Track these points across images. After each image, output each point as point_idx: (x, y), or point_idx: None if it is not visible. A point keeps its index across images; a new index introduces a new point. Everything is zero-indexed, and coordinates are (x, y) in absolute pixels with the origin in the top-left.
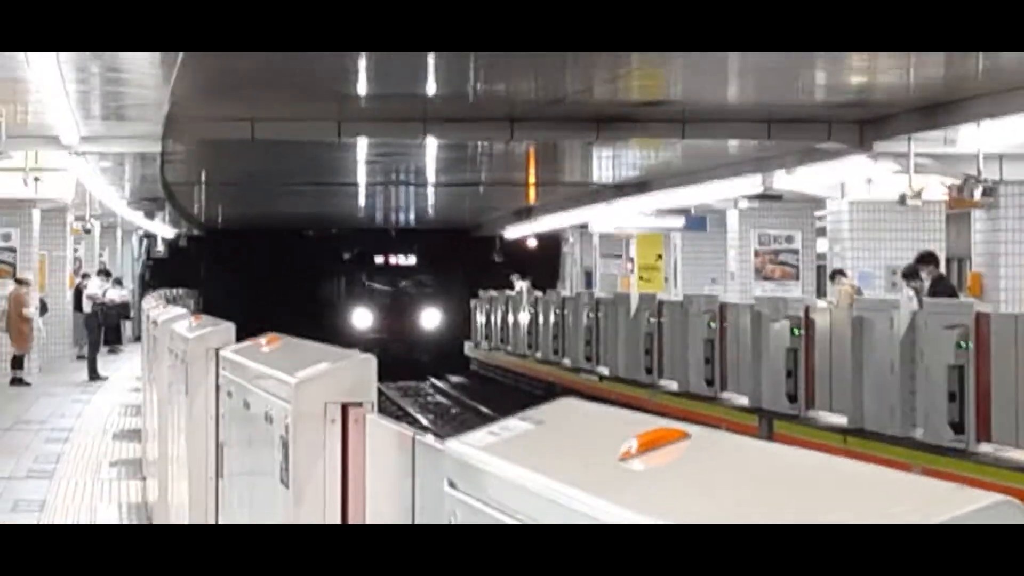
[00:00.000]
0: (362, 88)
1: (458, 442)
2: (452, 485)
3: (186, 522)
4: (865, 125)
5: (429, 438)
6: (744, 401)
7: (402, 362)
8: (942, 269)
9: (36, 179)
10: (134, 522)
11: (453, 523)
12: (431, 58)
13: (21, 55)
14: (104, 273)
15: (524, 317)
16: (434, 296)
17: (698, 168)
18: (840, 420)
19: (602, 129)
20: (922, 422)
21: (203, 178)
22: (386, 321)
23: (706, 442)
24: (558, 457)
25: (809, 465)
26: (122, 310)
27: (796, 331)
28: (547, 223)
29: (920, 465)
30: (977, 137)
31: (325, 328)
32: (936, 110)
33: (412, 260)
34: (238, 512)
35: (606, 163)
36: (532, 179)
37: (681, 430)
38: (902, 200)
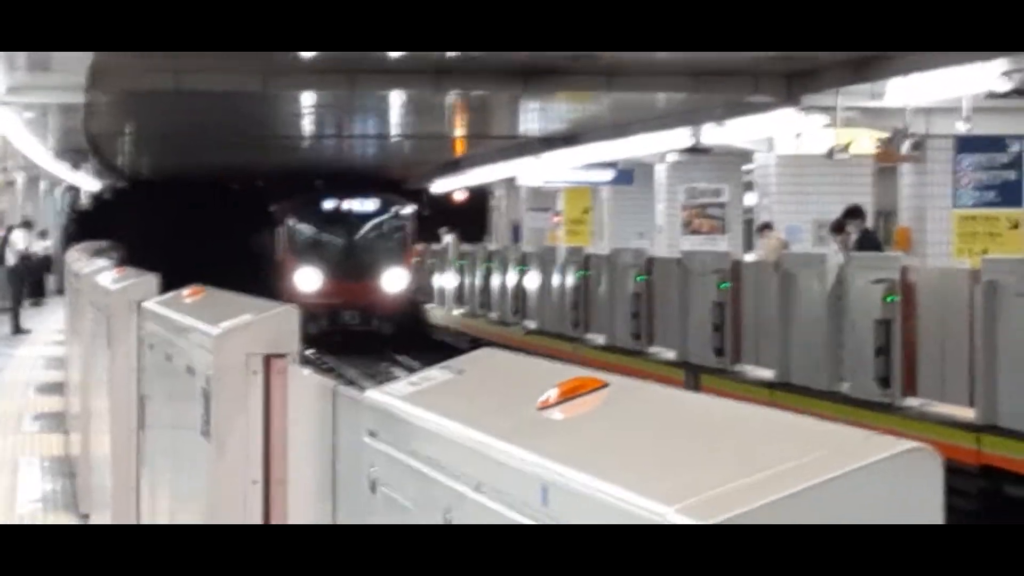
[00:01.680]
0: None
1: (378, 392)
2: (372, 435)
3: (108, 474)
4: (793, 78)
5: (350, 389)
6: (671, 355)
7: (356, 333)
8: (869, 223)
9: None
10: (56, 475)
11: (373, 473)
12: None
13: None
14: (27, 225)
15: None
16: (381, 252)
17: (626, 121)
18: (767, 374)
19: (529, 82)
20: (849, 376)
21: (127, 130)
22: (334, 282)
23: (624, 391)
24: (477, 406)
25: (727, 414)
26: (45, 263)
27: (723, 285)
28: (474, 176)
29: (846, 419)
30: (905, 91)
31: (261, 285)
32: (864, 63)
33: (365, 207)
34: (160, 465)
35: (533, 116)
36: (459, 132)
37: (599, 379)
38: (830, 154)
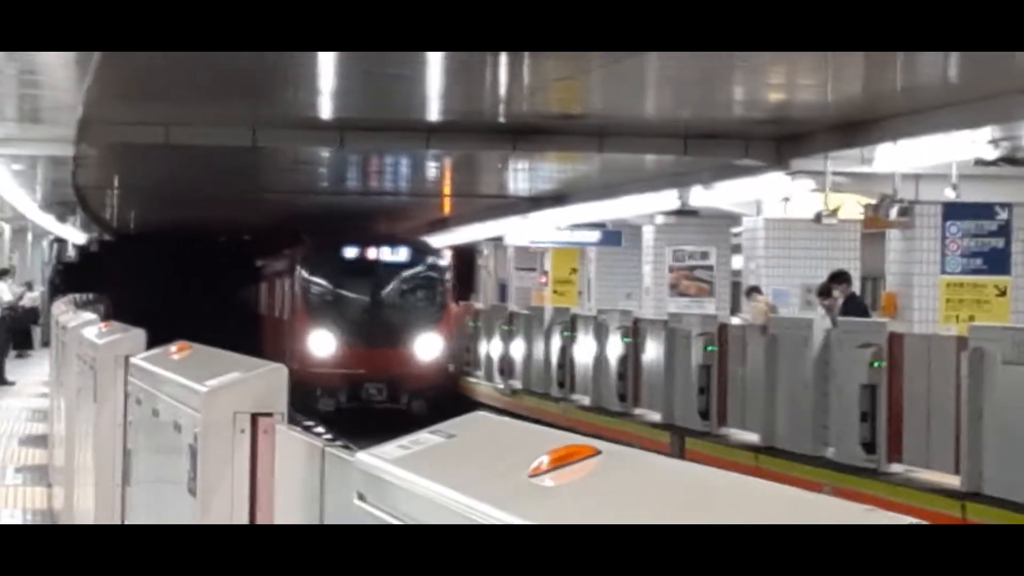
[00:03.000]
0: (278, 95)
1: (368, 454)
2: (361, 498)
3: None
4: (782, 142)
5: (339, 450)
6: (656, 417)
7: (381, 411)
8: (856, 288)
9: None
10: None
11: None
12: (347, 66)
13: None
14: (4, 272)
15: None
16: (414, 312)
17: (615, 182)
18: (752, 438)
19: (519, 141)
20: (834, 441)
21: (116, 183)
22: (356, 347)
23: (616, 459)
24: (468, 471)
25: (720, 485)
26: (32, 315)
27: (709, 347)
28: (462, 235)
29: (831, 484)
30: (894, 157)
31: (248, 340)
32: (853, 129)
33: (395, 256)
34: (144, 521)
35: (522, 175)
36: (447, 190)
37: (592, 447)
38: (818, 218)
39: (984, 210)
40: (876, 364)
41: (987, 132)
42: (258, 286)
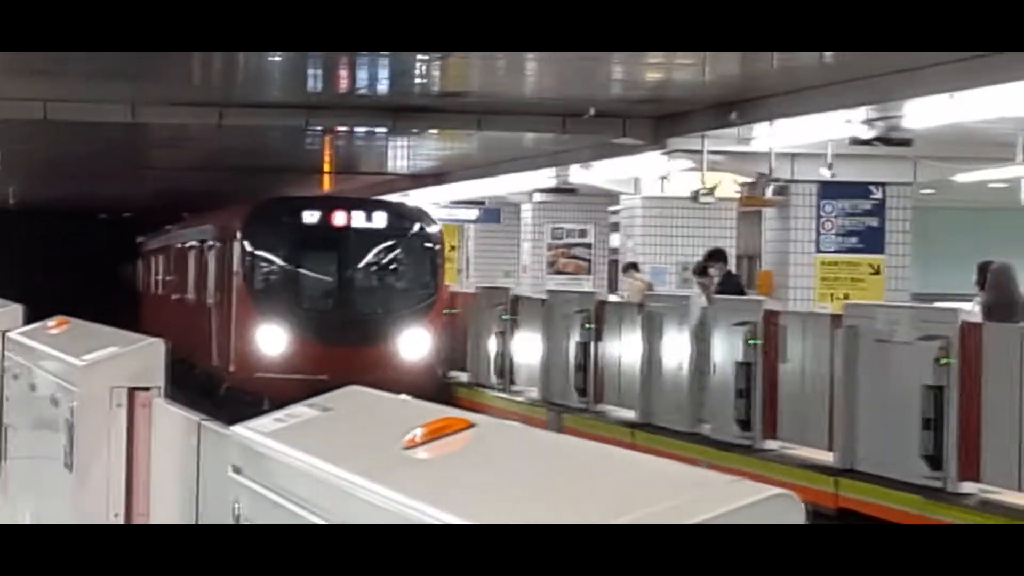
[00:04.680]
0: (157, 71)
1: (244, 427)
2: (237, 470)
3: None
4: (660, 121)
5: (215, 424)
6: (535, 394)
7: None
8: (732, 266)
9: None
10: None
11: (237, 509)
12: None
13: None
14: None
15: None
16: (396, 297)
17: (494, 160)
18: (629, 415)
19: (398, 119)
20: (710, 418)
21: None
22: (319, 344)
23: (490, 432)
24: (343, 444)
25: (592, 456)
26: None
27: (587, 325)
28: None
29: (707, 461)
30: (771, 136)
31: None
32: (730, 108)
33: (371, 222)
34: (21, 495)
35: (402, 153)
36: (327, 167)
37: (465, 419)
38: (695, 197)
39: (859, 189)
40: (752, 342)
41: (863, 112)
42: (174, 264)
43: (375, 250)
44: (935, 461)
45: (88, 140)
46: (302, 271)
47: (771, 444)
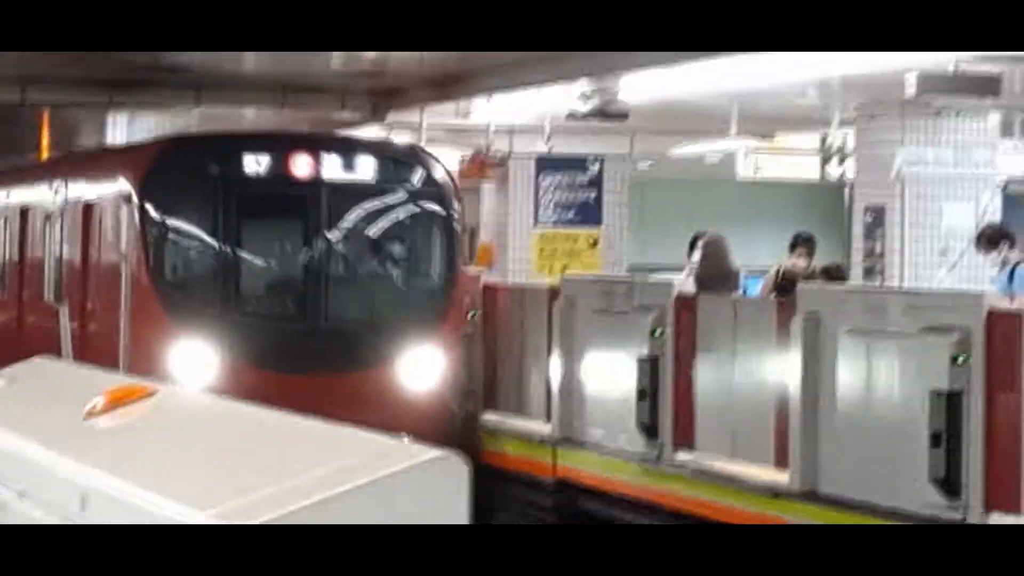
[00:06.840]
0: None
1: None
2: None
3: None
4: (379, 96)
5: None
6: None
7: None
8: None
9: None
10: None
11: None
12: None
13: None
14: None
15: None
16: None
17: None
18: None
19: (116, 93)
20: None
21: None
22: (269, 372)
23: (170, 399)
24: (26, 414)
25: (270, 423)
26: None
27: None
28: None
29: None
30: (490, 111)
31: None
32: (449, 82)
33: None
34: None
35: (121, 128)
36: (45, 141)
37: (147, 387)
38: None
39: (576, 163)
40: (471, 315)
41: (580, 86)
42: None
43: (358, 217)
44: (651, 431)
45: None
46: (242, 254)
47: (490, 416)
